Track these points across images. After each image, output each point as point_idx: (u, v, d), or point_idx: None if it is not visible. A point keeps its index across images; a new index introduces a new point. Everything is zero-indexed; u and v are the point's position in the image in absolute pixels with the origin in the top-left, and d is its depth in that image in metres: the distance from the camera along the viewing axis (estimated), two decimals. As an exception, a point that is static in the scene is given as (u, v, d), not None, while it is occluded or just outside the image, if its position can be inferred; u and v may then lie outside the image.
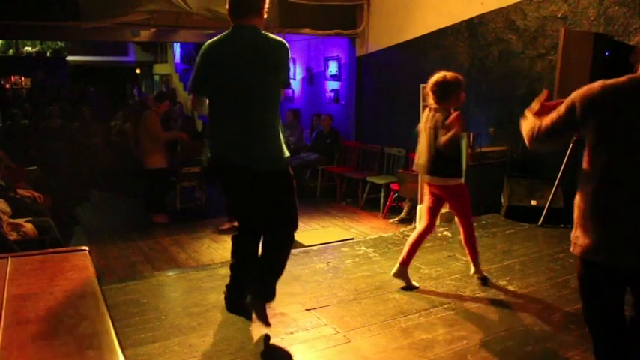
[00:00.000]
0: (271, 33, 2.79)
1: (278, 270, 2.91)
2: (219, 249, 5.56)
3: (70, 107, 11.35)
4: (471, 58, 6.12)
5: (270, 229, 2.89)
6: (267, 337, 2.85)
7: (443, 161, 3.37)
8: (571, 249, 1.96)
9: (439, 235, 4.79)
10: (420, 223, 3.68)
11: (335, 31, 7.59)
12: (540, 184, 5.24)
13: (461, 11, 6.17)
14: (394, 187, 6.62)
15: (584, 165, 1.91)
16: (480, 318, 3.11)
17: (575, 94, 1.91)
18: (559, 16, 5.15)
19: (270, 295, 2.90)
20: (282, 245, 2.91)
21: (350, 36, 7.88)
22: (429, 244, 4.49)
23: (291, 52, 2.92)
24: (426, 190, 3.60)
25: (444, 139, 3.24)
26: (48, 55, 16.22)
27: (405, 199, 6.57)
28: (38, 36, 11.57)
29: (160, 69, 16.59)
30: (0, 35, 10.91)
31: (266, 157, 2.76)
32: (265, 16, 2.78)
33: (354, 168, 7.91)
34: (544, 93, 2.20)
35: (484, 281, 3.60)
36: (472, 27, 6.07)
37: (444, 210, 5.50)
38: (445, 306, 3.26)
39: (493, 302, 3.33)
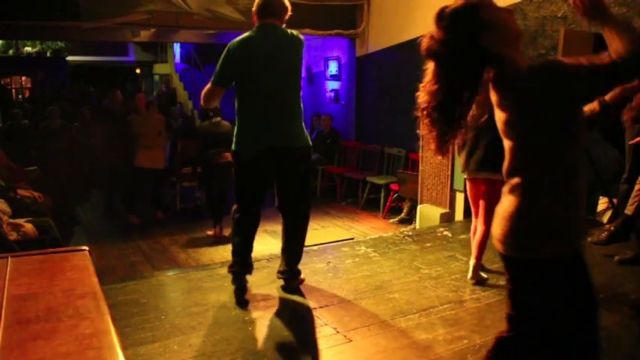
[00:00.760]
0: None
1: (300, 252, 3.41)
2: (219, 249, 5.57)
3: (70, 107, 11.32)
4: (471, 58, 6.10)
5: (292, 207, 3.34)
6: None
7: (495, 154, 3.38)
8: None
9: (439, 235, 4.79)
10: (475, 220, 3.66)
11: (335, 31, 7.60)
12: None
13: (461, 11, 6.16)
14: (394, 187, 6.63)
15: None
16: (480, 318, 3.11)
17: None
18: (559, 16, 5.15)
19: (299, 272, 3.44)
20: (303, 224, 3.40)
21: (350, 36, 7.88)
22: (428, 244, 4.50)
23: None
24: (470, 186, 3.61)
25: None
26: (48, 55, 16.19)
27: (405, 199, 6.58)
28: (38, 36, 11.53)
29: (159, 69, 16.54)
30: (0, 35, 10.89)
31: (302, 134, 3.29)
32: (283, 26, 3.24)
33: (354, 168, 7.91)
34: None
35: (482, 283, 3.61)
36: (472, 27, 6.06)
37: (444, 210, 5.53)
38: (445, 306, 3.27)
39: (493, 302, 3.33)
